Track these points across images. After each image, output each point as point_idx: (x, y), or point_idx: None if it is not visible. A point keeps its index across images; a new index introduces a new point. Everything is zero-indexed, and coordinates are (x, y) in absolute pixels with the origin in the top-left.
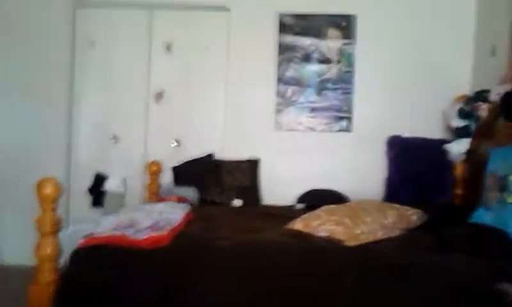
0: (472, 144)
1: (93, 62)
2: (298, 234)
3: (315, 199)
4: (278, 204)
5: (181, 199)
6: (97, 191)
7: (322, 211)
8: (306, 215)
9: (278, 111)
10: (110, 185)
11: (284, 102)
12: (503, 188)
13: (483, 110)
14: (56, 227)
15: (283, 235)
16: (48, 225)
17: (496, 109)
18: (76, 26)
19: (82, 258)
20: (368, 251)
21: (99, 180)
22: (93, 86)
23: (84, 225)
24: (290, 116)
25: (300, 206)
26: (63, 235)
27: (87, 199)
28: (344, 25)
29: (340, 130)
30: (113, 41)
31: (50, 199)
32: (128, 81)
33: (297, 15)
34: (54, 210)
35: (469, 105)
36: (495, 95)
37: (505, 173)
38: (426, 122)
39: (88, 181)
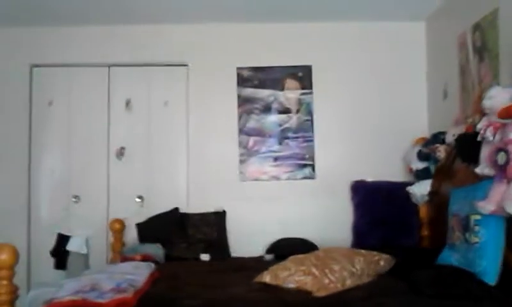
0: (433, 185)
1: (51, 122)
2: (267, 287)
3: (284, 248)
4: (246, 256)
5: (146, 258)
6: (60, 253)
7: (290, 261)
8: (274, 267)
9: (242, 162)
10: (73, 246)
11: (247, 153)
12: (466, 228)
13: (440, 151)
14: (12, 295)
15: (252, 289)
16: (3, 294)
17: (453, 151)
18: (33, 85)
19: None
20: (337, 302)
21: (61, 241)
22: (52, 146)
23: (45, 289)
24: (254, 166)
25: (269, 257)
26: (23, 300)
27: (49, 261)
28: (301, 75)
29: (303, 178)
30: (71, 99)
31: (5, 267)
32: (88, 139)
33: (255, 67)
34: (10, 277)
35: (427, 147)
36: (450, 137)
37: (467, 213)
38: (388, 166)
39: (50, 243)
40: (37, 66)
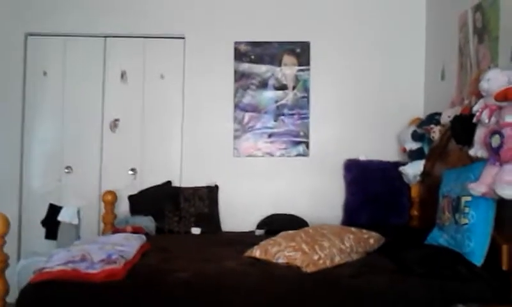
0: (426, 166)
1: (45, 92)
2: (257, 262)
3: (275, 224)
4: (237, 230)
5: (136, 230)
6: (51, 223)
7: (281, 237)
8: (264, 242)
9: (236, 137)
10: (64, 217)
11: (241, 128)
12: (456, 209)
13: (435, 132)
14: (2, 264)
15: (242, 263)
16: None
17: (448, 132)
18: (28, 55)
19: (32, 295)
20: (326, 278)
21: (53, 211)
22: (45, 116)
23: (36, 259)
24: (248, 142)
25: (260, 232)
26: (13, 269)
27: (40, 231)
28: (299, 51)
29: (297, 155)
30: (66, 69)
31: None
32: (82, 110)
33: (252, 42)
34: (0, 246)
35: (422, 127)
36: (445, 118)
37: (458, 195)
38: (382, 145)
39: (41, 213)
40: (32, 34)
